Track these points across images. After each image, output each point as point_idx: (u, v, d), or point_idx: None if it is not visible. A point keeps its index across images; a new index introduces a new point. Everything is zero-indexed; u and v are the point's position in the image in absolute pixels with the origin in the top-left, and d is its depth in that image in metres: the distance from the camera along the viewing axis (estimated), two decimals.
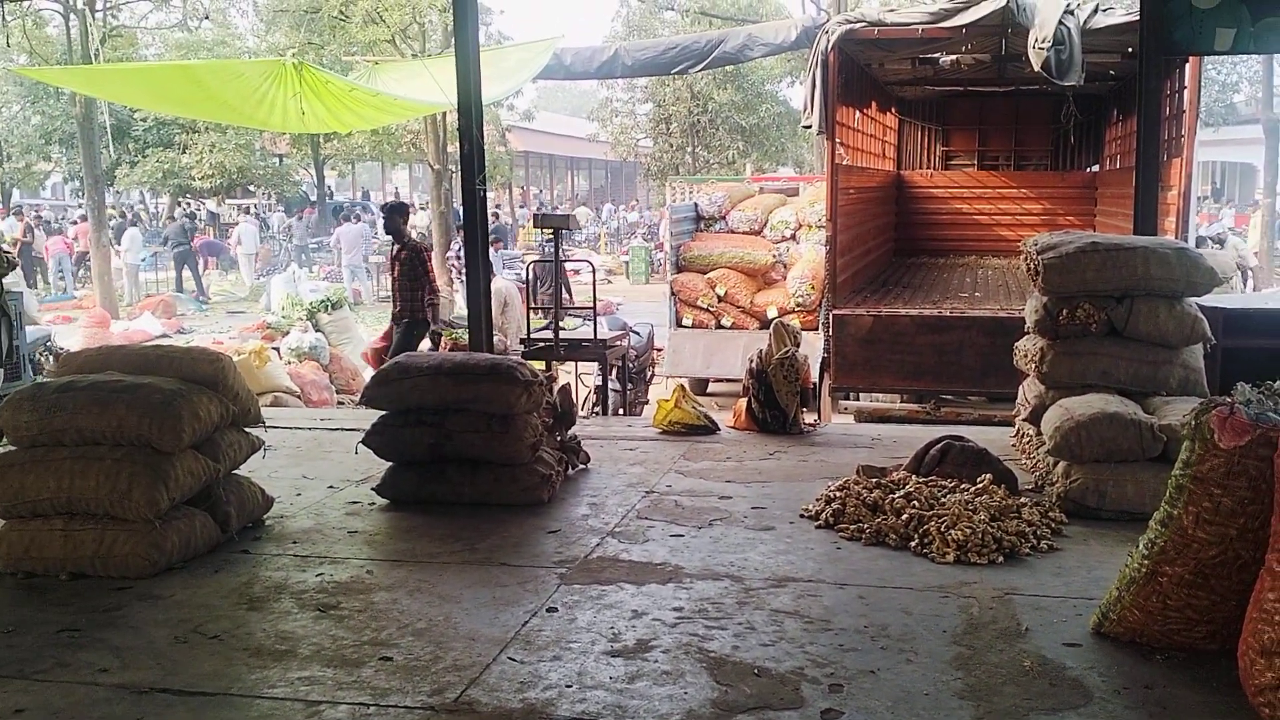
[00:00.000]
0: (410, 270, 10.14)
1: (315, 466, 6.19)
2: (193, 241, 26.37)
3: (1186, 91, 8.66)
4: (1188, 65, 8.49)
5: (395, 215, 10.60)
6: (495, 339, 8.31)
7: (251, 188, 35.66)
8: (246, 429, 5.07)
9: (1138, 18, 6.90)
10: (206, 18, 27.46)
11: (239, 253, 27.27)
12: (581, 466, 5.98)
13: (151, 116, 28.07)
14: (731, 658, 3.51)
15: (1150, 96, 6.60)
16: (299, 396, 11.11)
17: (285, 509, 5.27)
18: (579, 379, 10.51)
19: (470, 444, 5.29)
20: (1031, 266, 5.78)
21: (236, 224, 30.15)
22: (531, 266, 10.62)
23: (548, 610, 3.93)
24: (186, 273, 25.43)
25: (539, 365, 7.88)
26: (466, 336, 8.10)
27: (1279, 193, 25.17)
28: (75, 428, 4.41)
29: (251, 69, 11.59)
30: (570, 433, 6.02)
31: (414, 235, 11.02)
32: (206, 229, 32.33)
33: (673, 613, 3.89)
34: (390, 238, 10.67)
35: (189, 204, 33.56)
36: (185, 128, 28.73)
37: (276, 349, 11.96)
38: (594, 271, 9.89)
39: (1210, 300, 6.27)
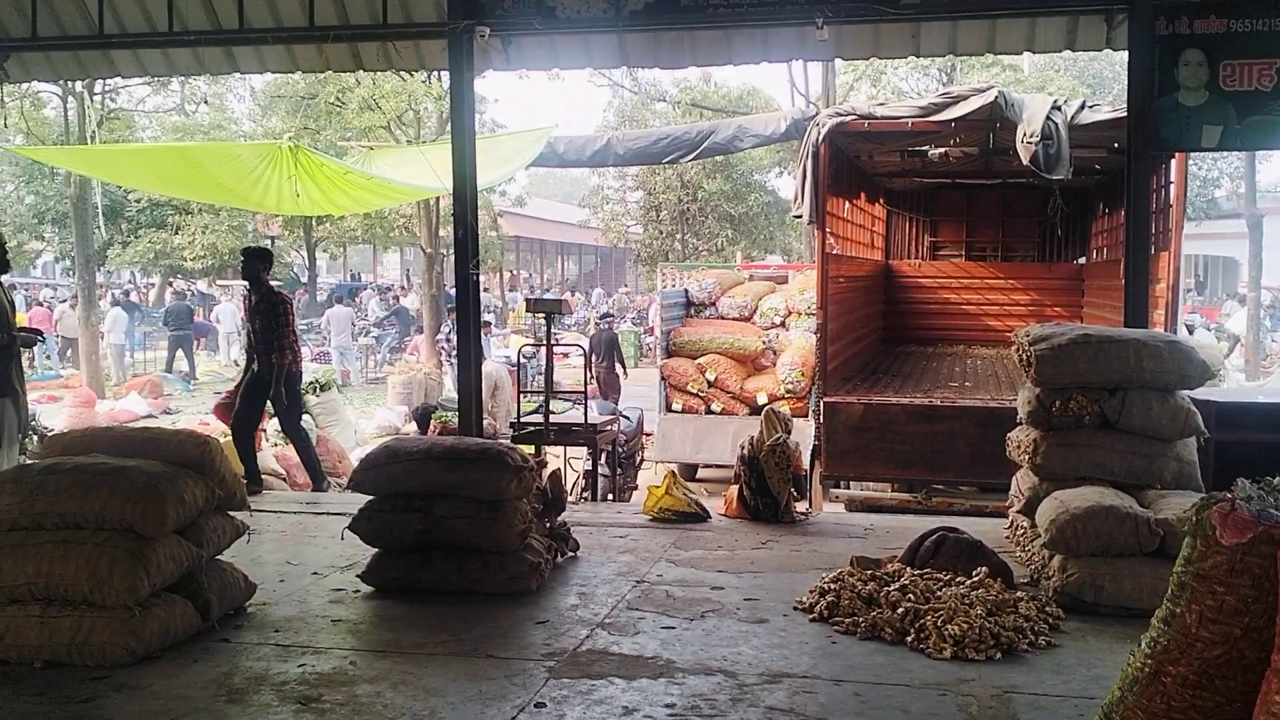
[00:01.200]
0: (266, 321, 8.87)
1: (300, 552, 6.09)
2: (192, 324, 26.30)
3: (1173, 186, 8.78)
4: (1174, 161, 8.62)
5: (254, 261, 9.43)
6: (485, 422, 8.25)
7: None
8: (231, 513, 4.98)
9: (1125, 114, 7.01)
10: (205, 102, 27.79)
11: (220, 332, 27.33)
12: (570, 554, 5.89)
13: (145, 197, 28.23)
14: None
15: (1139, 191, 6.68)
16: (284, 479, 10.99)
17: (268, 595, 5.16)
18: (568, 464, 10.44)
19: (458, 530, 5.21)
20: (1024, 357, 5.79)
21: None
22: (520, 350, 10.61)
23: (536, 705, 3.83)
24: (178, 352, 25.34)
25: (528, 449, 7.82)
26: (456, 419, 8.04)
27: (1263, 286, 25.48)
28: (57, 511, 4.32)
29: (247, 151, 11.70)
30: (559, 519, 5.94)
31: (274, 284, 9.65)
32: (197, 309, 32.34)
33: (665, 709, 3.79)
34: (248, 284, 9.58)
35: (177, 284, 33.57)
36: (178, 209, 28.87)
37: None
38: (585, 355, 9.87)
39: (1202, 393, 6.27)
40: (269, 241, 34.22)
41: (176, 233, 29.38)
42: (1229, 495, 3.38)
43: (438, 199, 19.18)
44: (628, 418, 11.64)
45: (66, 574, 4.20)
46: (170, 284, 33.40)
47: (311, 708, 3.82)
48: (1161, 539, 4.80)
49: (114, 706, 3.85)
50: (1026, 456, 5.77)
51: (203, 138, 27.96)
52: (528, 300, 9.58)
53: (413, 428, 12.69)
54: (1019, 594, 4.86)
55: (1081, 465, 5.53)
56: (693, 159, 13.50)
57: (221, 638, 4.59)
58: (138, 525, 4.32)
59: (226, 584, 4.83)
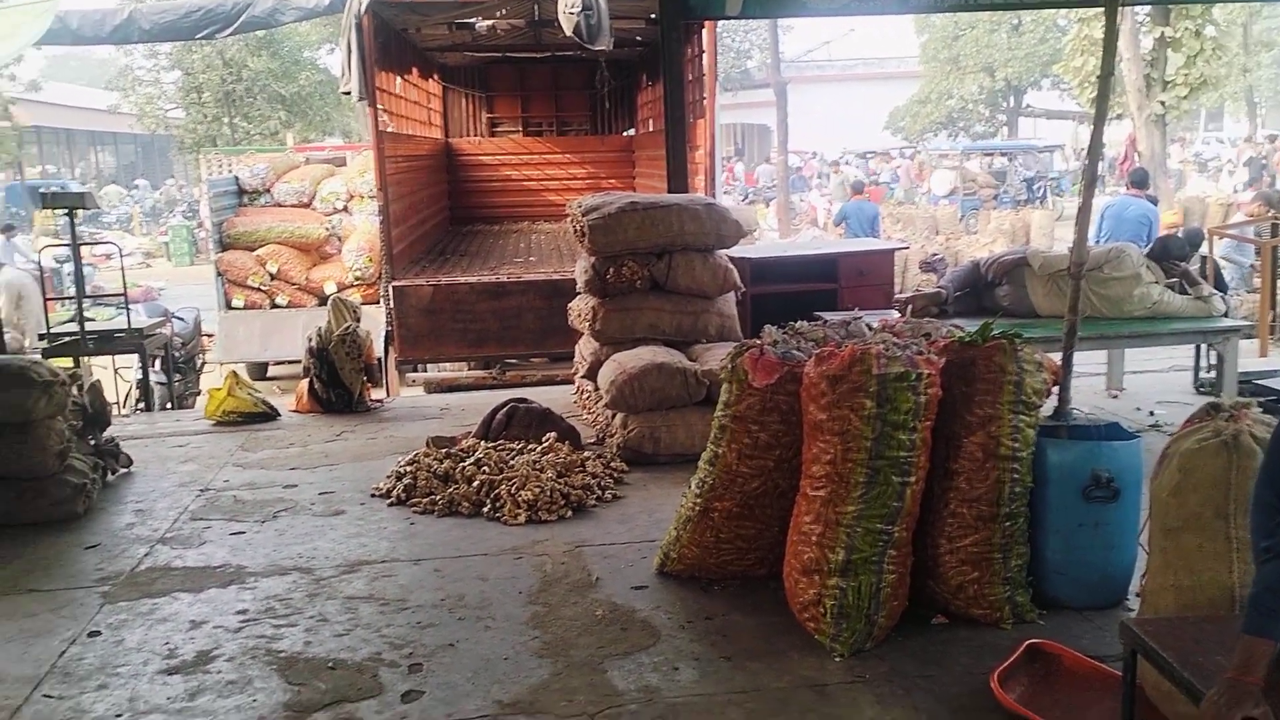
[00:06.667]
0: None
1: None
2: None
3: (706, 56, 9.27)
4: (705, 31, 9.09)
5: None
6: (8, 337, 7.33)
7: None
8: None
9: None
10: None
11: None
12: (123, 470, 5.43)
13: None
14: (304, 655, 3.32)
15: (673, 60, 6.98)
16: None
17: None
18: (118, 375, 9.57)
19: None
20: (578, 228, 5.97)
21: None
22: (41, 250, 9.47)
23: (89, 635, 3.53)
24: None
25: (66, 363, 7.07)
26: None
27: (790, 150, 27.95)
28: None
29: None
30: (106, 434, 5.45)
31: None
32: None
33: (236, 617, 3.63)
34: None
35: None
36: None
37: None
38: (121, 254, 9.01)
39: (738, 251, 6.79)
40: None
41: None
42: (759, 342, 3.70)
43: None
44: (182, 319, 10.83)
45: None
46: None
47: None
48: (708, 388, 5.20)
49: None
50: (587, 323, 6.00)
51: None
52: (43, 195, 8.51)
53: None
54: (586, 454, 5.10)
55: (637, 327, 5.84)
56: (230, 34, 12.47)
57: None
58: None
59: None
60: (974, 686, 3.00)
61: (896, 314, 6.42)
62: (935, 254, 15.38)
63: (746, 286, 6.40)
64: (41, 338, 8.27)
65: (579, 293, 6.26)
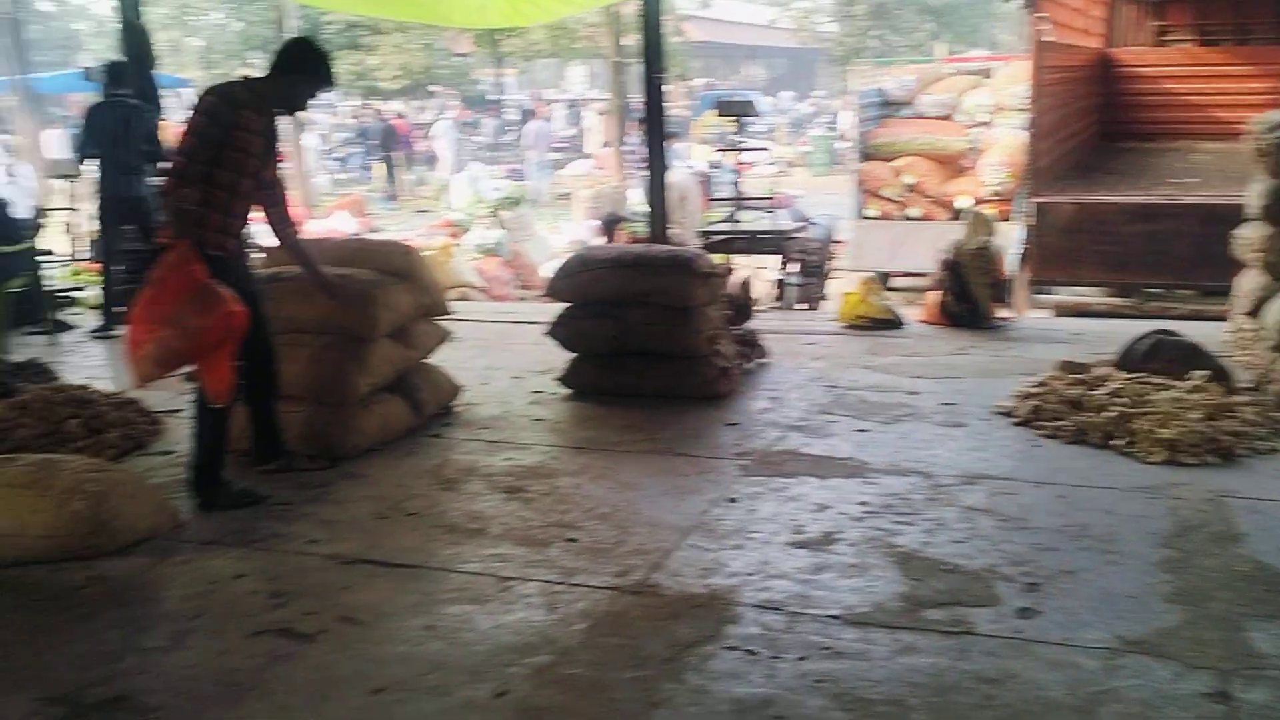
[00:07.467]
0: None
1: (500, 357, 6.31)
2: (397, 148, 26.67)
3: None
4: None
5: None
6: (673, 232, 8.21)
7: (433, 88, 36.18)
8: (436, 320, 5.17)
9: None
10: None
11: (438, 149, 27.60)
12: (760, 360, 5.89)
13: (341, 20, 28.63)
14: (920, 553, 3.41)
15: None
16: (483, 291, 11.34)
17: (473, 397, 5.38)
18: (757, 273, 10.35)
19: (650, 336, 5.28)
20: (1261, 147, 5.30)
21: (432, 124, 30.53)
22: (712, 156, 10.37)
23: (728, 500, 3.91)
24: (379, 171, 25.98)
25: (718, 259, 7.78)
26: (642, 229, 8.04)
27: None
28: (284, 316, 4.51)
29: None
30: (749, 326, 5.93)
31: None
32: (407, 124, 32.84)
33: (858, 506, 3.81)
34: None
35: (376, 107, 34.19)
36: (372, 29, 29.21)
37: (460, 246, 12.21)
38: (767, 163, 9.64)
39: None
40: (459, 59, 34.38)
41: (371, 53, 29.77)
42: None
43: (621, 5, 18.74)
44: (818, 224, 11.40)
45: (292, 374, 4.45)
46: (365, 105, 34.05)
47: (518, 496, 4.02)
48: None
49: (343, 492, 4.15)
50: (1260, 255, 5.35)
51: None
52: (719, 103, 9.33)
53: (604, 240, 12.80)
54: (1241, 399, 4.59)
55: None
56: None
57: (433, 434, 4.85)
58: (354, 329, 4.55)
59: (436, 385, 5.07)
60: None
61: None
62: None
63: None
64: (700, 234, 9.19)
65: (1252, 219, 5.59)
